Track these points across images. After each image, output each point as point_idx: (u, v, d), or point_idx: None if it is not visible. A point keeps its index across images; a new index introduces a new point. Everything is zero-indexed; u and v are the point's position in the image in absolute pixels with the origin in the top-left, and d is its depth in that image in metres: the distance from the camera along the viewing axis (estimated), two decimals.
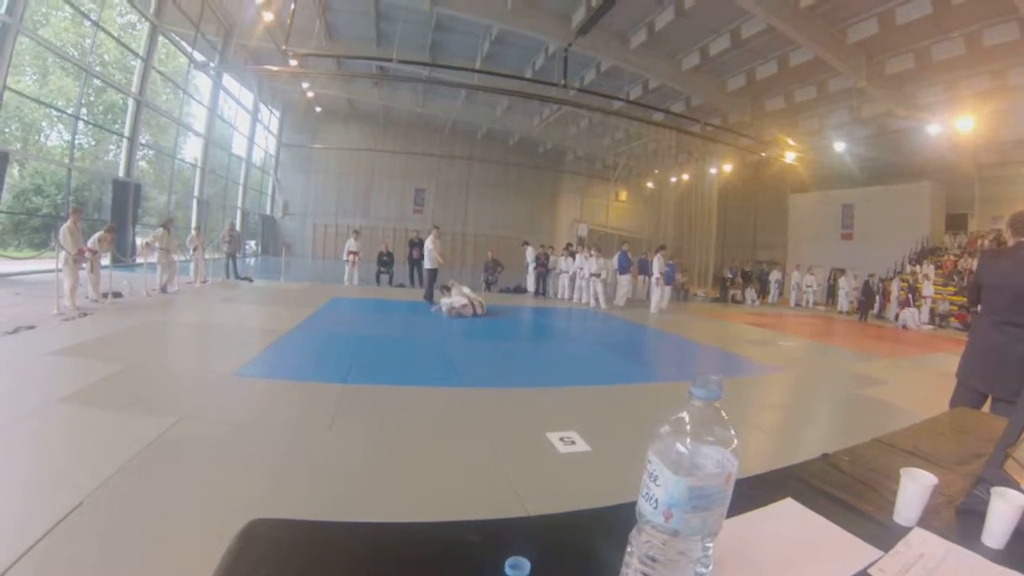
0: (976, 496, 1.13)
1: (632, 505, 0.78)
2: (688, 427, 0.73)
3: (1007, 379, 3.09)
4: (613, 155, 30.72)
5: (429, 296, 12.57)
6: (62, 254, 8.37)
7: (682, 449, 0.72)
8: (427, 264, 12.97)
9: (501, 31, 18.03)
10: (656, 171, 28.22)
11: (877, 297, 19.25)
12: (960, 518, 1.11)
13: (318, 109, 28.21)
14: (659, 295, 15.38)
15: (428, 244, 12.97)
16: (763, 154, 23.08)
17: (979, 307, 3.43)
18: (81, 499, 2.64)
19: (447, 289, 11.34)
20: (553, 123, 27.63)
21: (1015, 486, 1.10)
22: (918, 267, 21.49)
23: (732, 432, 0.74)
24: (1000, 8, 12.47)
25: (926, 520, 1.07)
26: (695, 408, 0.75)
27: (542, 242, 20.57)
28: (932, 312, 17.79)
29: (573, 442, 4.02)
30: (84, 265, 9.04)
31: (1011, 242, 3.32)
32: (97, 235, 9.67)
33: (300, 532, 0.91)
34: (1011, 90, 15.74)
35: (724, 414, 0.75)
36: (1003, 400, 3.14)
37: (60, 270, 8.27)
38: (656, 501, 0.72)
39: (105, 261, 9.75)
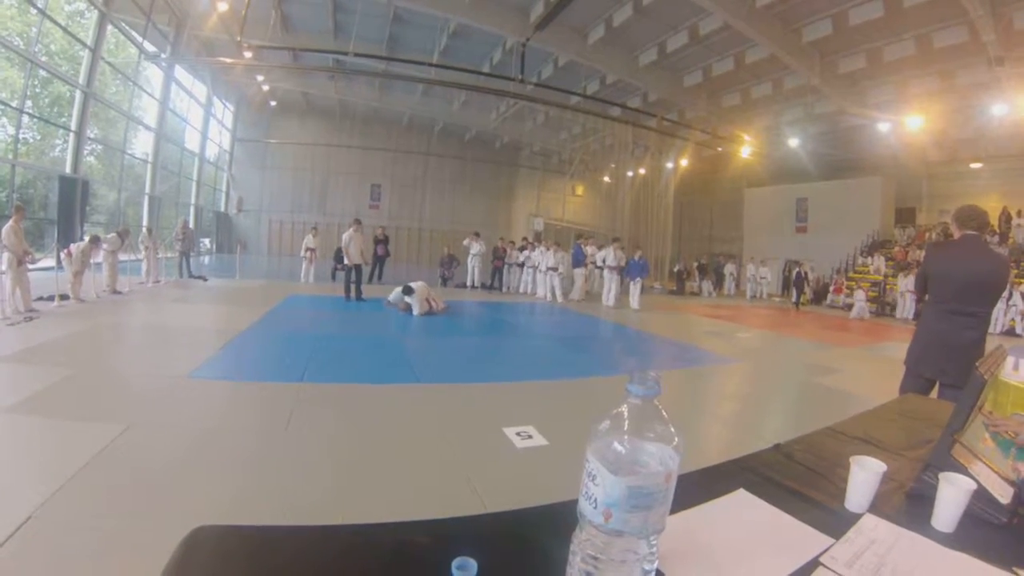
0: (925, 481, 1.14)
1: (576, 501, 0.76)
2: (626, 425, 0.71)
3: (954, 365, 3.20)
4: (570, 150, 30.86)
5: (348, 292, 12.13)
6: (4, 255, 8.03)
7: (619, 448, 0.70)
8: (347, 260, 12.16)
9: (459, 25, 17.94)
10: (613, 165, 28.49)
11: (806, 285, 20.16)
12: (910, 503, 1.12)
13: (273, 103, 27.63)
14: (612, 288, 15.21)
15: (345, 239, 12.15)
16: (719, 149, 23.46)
17: (927, 297, 3.53)
18: (30, 513, 2.54)
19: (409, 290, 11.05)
20: (510, 118, 27.58)
21: (963, 471, 1.11)
22: (869, 259, 22.12)
23: (672, 429, 0.72)
24: (950, 11, 12.90)
25: (877, 506, 1.08)
26: (633, 406, 0.72)
27: (500, 236, 20.47)
28: (883, 302, 18.40)
29: (530, 436, 4.02)
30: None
31: (956, 234, 3.45)
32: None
33: (244, 538, 0.89)
34: (959, 90, 16.31)
35: (663, 411, 0.73)
36: (950, 386, 3.26)
37: (3, 272, 7.94)
38: (595, 501, 0.70)
39: (51, 263, 9.39)
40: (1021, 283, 16.00)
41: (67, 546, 2.35)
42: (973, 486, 1.04)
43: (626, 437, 0.70)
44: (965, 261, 3.31)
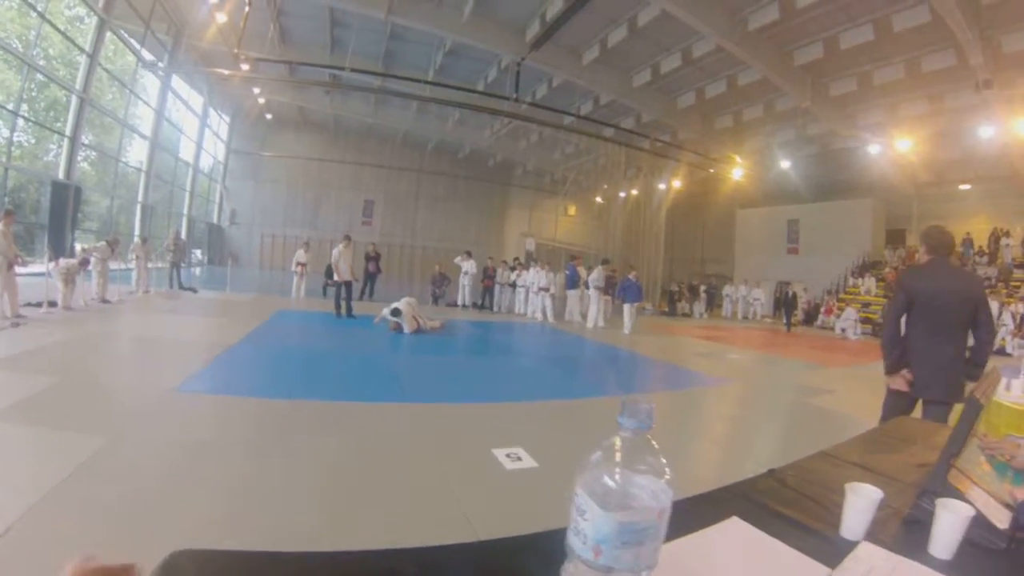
0: (921, 507, 1.12)
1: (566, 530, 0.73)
2: (617, 458, 0.69)
3: (935, 381, 3.36)
4: (563, 169, 31.02)
5: (338, 309, 11.93)
6: None
7: (610, 483, 0.67)
8: (336, 276, 11.98)
9: (455, 43, 18.05)
10: (605, 186, 28.60)
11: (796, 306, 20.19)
12: (907, 530, 1.10)
13: (269, 116, 27.72)
14: (597, 309, 14.88)
15: (335, 255, 11.96)
16: (711, 170, 23.61)
17: (905, 326, 3.60)
18: (8, 525, 2.47)
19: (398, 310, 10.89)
20: (504, 136, 27.79)
21: (959, 496, 1.09)
22: (860, 280, 22.25)
23: (664, 462, 0.69)
24: (939, 35, 13.09)
25: (873, 533, 1.05)
26: (624, 439, 0.70)
27: (490, 255, 20.40)
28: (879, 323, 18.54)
29: (520, 458, 3.96)
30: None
31: (924, 259, 3.61)
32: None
33: (224, 563, 0.84)
34: (947, 113, 16.54)
35: (655, 444, 0.70)
36: (932, 402, 3.41)
37: None
38: (585, 536, 0.68)
39: (41, 268, 9.33)
40: (1011, 302, 16.11)
41: (43, 564, 2.29)
42: (971, 512, 1.02)
43: (617, 471, 0.68)
44: (941, 282, 3.46)
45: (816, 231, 25.73)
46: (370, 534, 2.79)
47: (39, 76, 15.94)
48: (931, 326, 3.43)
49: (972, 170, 20.94)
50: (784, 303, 19.40)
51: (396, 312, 10.37)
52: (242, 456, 3.73)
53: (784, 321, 19.21)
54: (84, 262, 10.31)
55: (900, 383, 3.45)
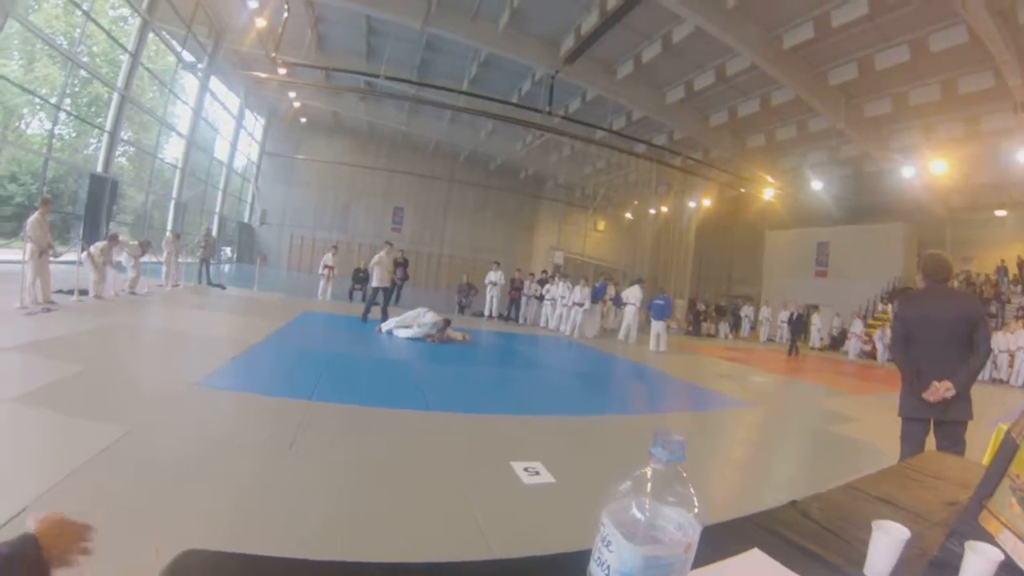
0: (949, 549, 1.08)
1: (586, 553, 0.71)
2: (647, 490, 0.67)
3: (943, 400, 3.35)
4: (593, 184, 30.94)
5: (366, 313, 11.87)
6: (28, 246, 8.14)
7: (638, 515, 0.66)
8: (374, 282, 11.86)
9: (490, 55, 18.16)
10: (635, 202, 28.44)
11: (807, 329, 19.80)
12: (933, 572, 1.06)
13: (303, 120, 28.08)
14: (634, 326, 14.99)
15: (375, 260, 11.83)
16: (742, 190, 23.41)
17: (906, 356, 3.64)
18: (24, 506, 2.49)
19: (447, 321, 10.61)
20: (535, 149, 27.78)
21: (989, 539, 1.06)
22: (890, 305, 21.86)
23: (693, 493, 0.68)
24: (976, 56, 12.85)
25: (898, 574, 1.02)
26: (655, 471, 0.68)
27: (518, 267, 20.37)
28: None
29: (538, 472, 3.91)
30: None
31: (922, 284, 3.76)
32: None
33: (234, 566, 0.84)
34: (984, 136, 16.22)
35: (685, 475, 0.69)
36: (941, 422, 3.47)
37: (26, 262, 8.05)
38: (608, 568, 0.66)
39: (74, 256, 9.55)
40: None
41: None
42: (1000, 556, 0.98)
43: (646, 502, 0.66)
44: (934, 305, 3.55)
45: (846, 254, 25.29)
46: (381, 542, 2.77)
47: (82, 72, 16.37)
48: (931, 348, 3.48)
49: (1008, 195, 20.48)
50: (791, 324, 18.82)
51: (448, 323, 10.37)
52: (258, 455, 3.74)
53: (813, 345, 18.65)
54: (113, 237, 10.51)
55: (937, 393, 3.38)
